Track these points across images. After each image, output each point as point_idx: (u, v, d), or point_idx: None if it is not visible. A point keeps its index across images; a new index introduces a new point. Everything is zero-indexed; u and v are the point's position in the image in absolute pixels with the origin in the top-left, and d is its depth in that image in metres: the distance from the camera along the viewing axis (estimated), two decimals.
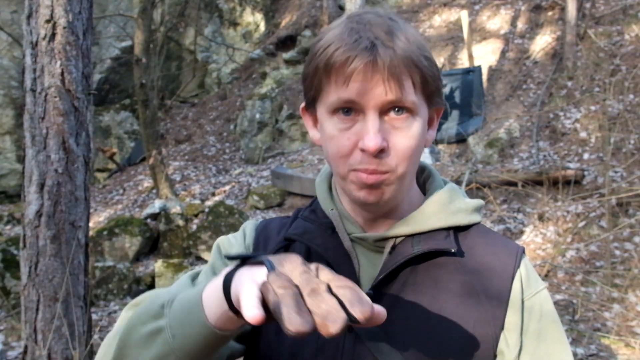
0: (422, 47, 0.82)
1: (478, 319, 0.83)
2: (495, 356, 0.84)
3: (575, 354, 3.57)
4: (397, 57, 0.78)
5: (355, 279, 0.87)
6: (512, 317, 0.84)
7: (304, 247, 0.92)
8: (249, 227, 1.00)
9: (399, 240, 0.88)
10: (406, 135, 0.81)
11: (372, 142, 0.78)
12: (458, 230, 0.89)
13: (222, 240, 0.99)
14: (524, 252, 0.91)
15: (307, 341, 0.85)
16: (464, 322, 0.83)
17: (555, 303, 4.30)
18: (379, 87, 0.78)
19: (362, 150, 0.79)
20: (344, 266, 0.87)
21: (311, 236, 0.90)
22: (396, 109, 0.80)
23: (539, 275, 4.55)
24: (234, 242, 0.98)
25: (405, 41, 0.80)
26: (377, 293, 0.85)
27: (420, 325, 0.83)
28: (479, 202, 0.93)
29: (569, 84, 7.81)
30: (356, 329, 0.83)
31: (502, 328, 0.84)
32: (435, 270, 0.86)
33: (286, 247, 0.94)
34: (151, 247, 6.82)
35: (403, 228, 0.87)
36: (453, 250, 0.85)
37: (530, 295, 0.86)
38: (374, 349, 0.82)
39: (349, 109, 0.80)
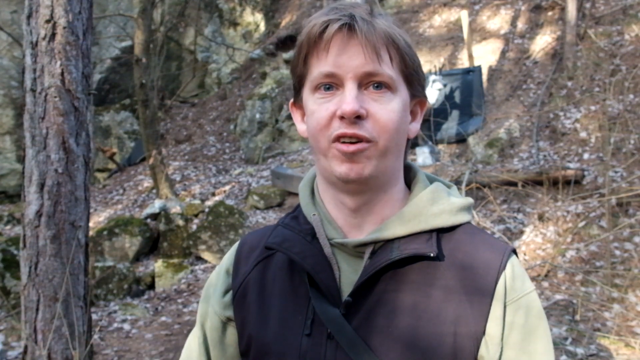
0: (402, 32, 0.85)
1: (460, 323, 0.82)
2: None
3: (575, 354, 3.57)
4: (375, 29, 0.81)
5: (336, 286, 0.86)
6: (493, 322, 0.82)
7: (285, 255, 0.92)
8: (232, 247, 1.03)
9: (378, 245, 0.86)
10: (385, 107, 0.82)
11: (349, 106, 0.79)
12: (443, 231, 0.88)
13: (207, 282, 1.03)
14: (513, 252, 0.88)
15: (290, 352, 0.86)
16: (445, 328, 0.81)
17: (555, 303, 4.30)
18: (356, 56, 0.80)
19: (341, 118, 0.81)
20: (323, 273, 0.86)
21: (290, 244, 0.90)
22: (375, 85, 0.82)
23: (539, 276, 4.55)
24: (214, 278, 1.01)
25: (385, 22, 0.83)
26: (356, 300, 0.84)
27: (401, 331, 0.82)
28: (466, 201, 0.91)
29: (569, 84, 7.81)
30: (336, 337, 0.83)
31: (483, 333, 0.82)
32: (416, 275, 0.85)
33: (268, 256, 0.95)
34: (151, 247, 6.82)
35: (383, 233, 0.86)
36: (432, 255, 0.83)
37: (516, 298, 0.84)
38: (355, 357, 0.82)
39: (330, 85, 0.83)
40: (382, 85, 0.82)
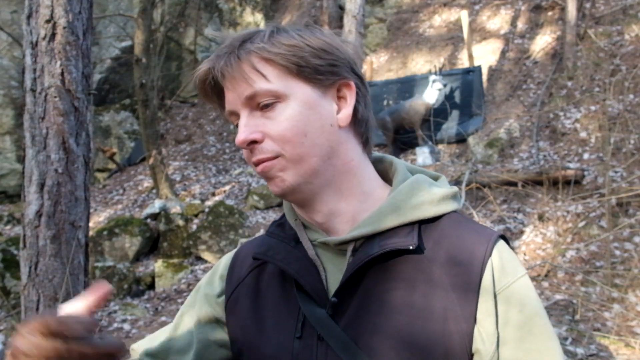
0: (282, 39, 0.83)
1: (448, 317, 0.80)
2: (471, 355, 0.80)
3: (575, 354, 3.57)
4: (241, 58, 0.83)
5: (322, 287, 0.86)
6: (484, 310, 0.80)
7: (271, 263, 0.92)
8: (227, 255, 1.03)
9: (359, 242, 0.86)
10: (278, 120, 0.83)
11: (240, 137, 0.83)
12: (427, 222, 0.86)
13: (214, 268, 1.03)
14: (502, 238, 0.86)
15: (282, 355, 0.86)
16: (433, 321, 0.80)
17: (555, 303, 4.30)
18: (234, 90, 0.84)
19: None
20: (309, 276, 0.86)
21: (273, 252, 0.91)
22: (262, 102, 0.83)
23: (539, 276, 4.54)
24: (210, 277, 1.02)
25: (258, 41, 0.83)
26: (342, 299, 0.84)
27: (389, 327, 0.81)
28: (450, 190, 0.89)
29: (569, 84, 7.81)
30: (325, 338, 0.83)
31: (474, 322, 0.80)
32: (401, 268, 0.83)
33: (261, 264, 0.96)
34: (151, 247, 6.82)
35: (363, 229, 0.85)
36: (411, 248, 0.82)
37: (506, 285, 0.81)
38: (345, 357, 0.81)
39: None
40: (268, 100, 0.83)
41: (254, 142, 0.83)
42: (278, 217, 0.99)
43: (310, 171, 0.84)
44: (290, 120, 0.82)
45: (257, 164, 0.84)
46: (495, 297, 0.81)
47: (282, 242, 0.91)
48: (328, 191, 0.87)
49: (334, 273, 0.87)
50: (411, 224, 0.85)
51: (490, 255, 0.82)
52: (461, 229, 0.86)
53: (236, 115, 0.86)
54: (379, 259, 0.83)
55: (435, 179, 0.94)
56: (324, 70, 0.85)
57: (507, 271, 0.82)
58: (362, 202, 0.88)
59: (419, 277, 0.83)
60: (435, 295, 0.81)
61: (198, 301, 1.00)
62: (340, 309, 0.84)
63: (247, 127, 0.83)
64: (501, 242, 0.85)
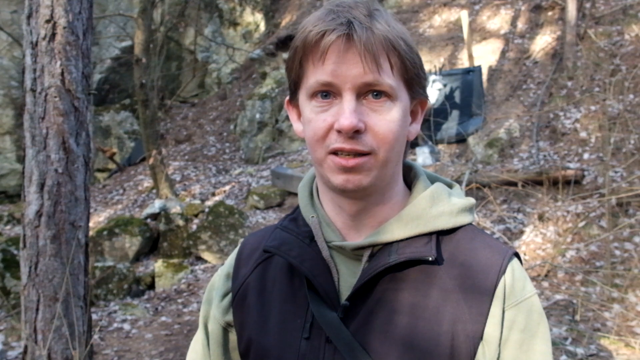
0: (402, 33, 0.81)
1: (458, 324, 0.81)
2: None
3: (575, 354, 3.57)
4: (374, 36, 0.77)
5: (334, 289, 0.85)
6: (491, 325, 0.81)
7: (284, 259, 0.91)
8: (234, 250, 1.02)
9: (377, 248, 0.85)
10: (384, 118, 0.80)
11: (347, 121, 0.77)
12: (443, 233, 0.86)
13: (209, 284, 1.02)
14: (515, 255, 0.87)
15: (289, 355, 0.86)
16: (443, 328, 0.81)
17: (555, 303, 4.30)
18: (355, 66, 0.77)
19: (338, 132, 0.78)
20: (321, 277, 0.86)
21: (288, 248, 0.89)
22: (374, 93, 0.79)
23: (539, 276, 4.53)
24: (216, 281, 1.01)
25: (385, 24, 0.79)
26: (354, 303, 0.84)
27: (399, 331, 0.82)
28: (467, 201, 0.89)
29: (569, 84, 7.81)
30: (334, 341, 0.83)
31: (481, 338, 0.81)
32: (415, 278, 0.84)
33: (268, 258, 0.94)
34: (151, 247, 6.82)
35: (381, 236, 0.85)
36: (430, 259, 0.82)
37: (514, 303, 0.83)
38: None
39: (327, 93, 0.80)
40: (381, 94, 0.79)
41: (357, 131, 0.78)
42: (290, 211, 0.98)
43: (385, 176, 0.83)
44: (395, 122, 0.80)
45: (348, 152, 0.79)
46: (503, 311, 0.82)
47: (295, 238, 0.90)
48: (379, 194, 0.86)
49: (346, 276, 0.86)
50: (429, 233, 0.85)
51: (504, 271, 0.83)
52: (477, 243, 0.86)
53: (333, 88, 0.79)
54: (394, 267, 0.83)
55: (450, 186, 0.94)
56: (421, 85, 0.85)
57: (518, 288, 0.84)
58: (390, 207, 0.88)
59: (432, 283, 0.83)
60: (447, 301, 0.82)
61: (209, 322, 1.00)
62: (351, 313, 0.84)
63: (356, 113, 0.78)
64: (515, 260, 0.86)
